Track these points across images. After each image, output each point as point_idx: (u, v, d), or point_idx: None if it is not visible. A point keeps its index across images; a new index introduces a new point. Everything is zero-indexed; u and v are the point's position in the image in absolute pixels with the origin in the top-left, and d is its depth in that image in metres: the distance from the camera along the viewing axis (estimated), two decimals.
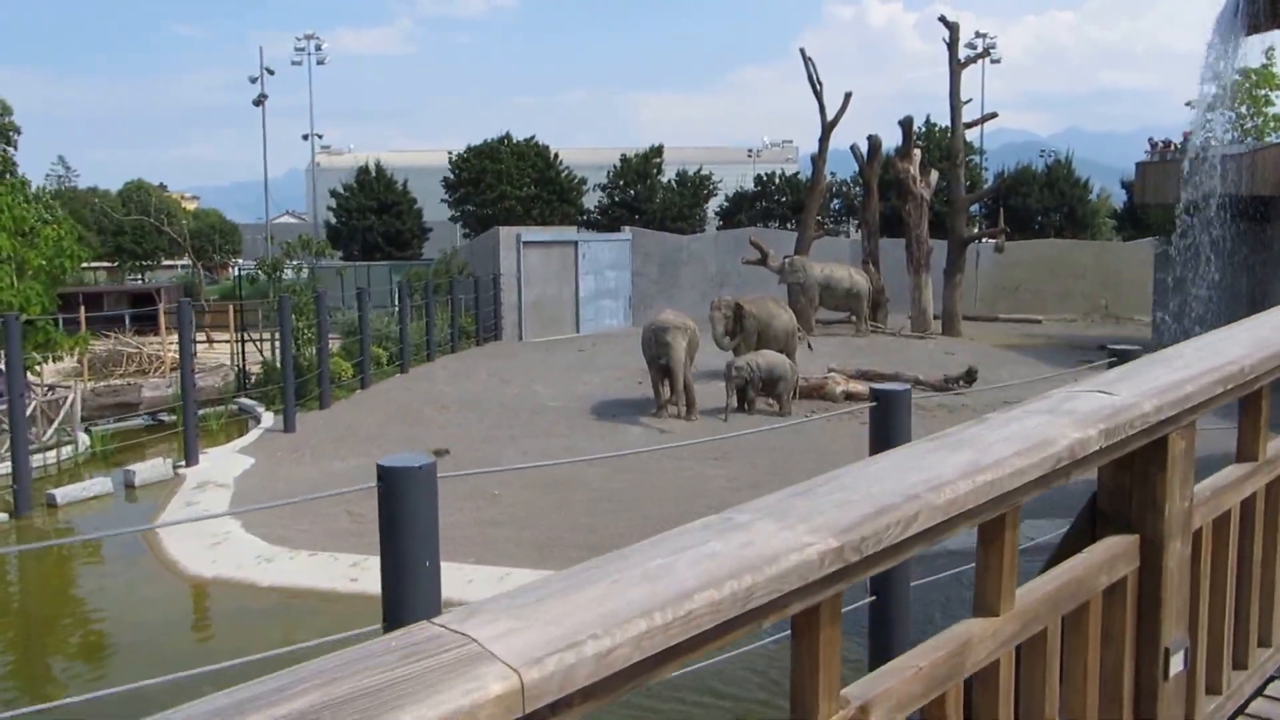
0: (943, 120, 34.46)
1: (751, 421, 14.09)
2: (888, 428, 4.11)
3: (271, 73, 35.54)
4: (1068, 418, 1.36)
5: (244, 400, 16.95)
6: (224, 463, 12.43)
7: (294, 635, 7.48)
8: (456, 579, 8.25)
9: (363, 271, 30.10)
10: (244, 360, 18.25)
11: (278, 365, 15.59)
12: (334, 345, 18.40)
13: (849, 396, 15.34)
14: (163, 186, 69.59)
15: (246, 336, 18.83)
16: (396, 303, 20.17)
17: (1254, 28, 10.43)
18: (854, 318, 24.55)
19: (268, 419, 15.09)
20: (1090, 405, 1.41)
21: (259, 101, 35.42)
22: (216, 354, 22.12)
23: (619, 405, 15.34)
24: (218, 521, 9.54)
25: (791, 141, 79.12)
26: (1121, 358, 6.18)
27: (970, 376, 16.32)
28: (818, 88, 26.40)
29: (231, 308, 20.70)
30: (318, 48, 41.39)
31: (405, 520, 2.80)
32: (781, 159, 66.45)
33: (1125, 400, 1.44)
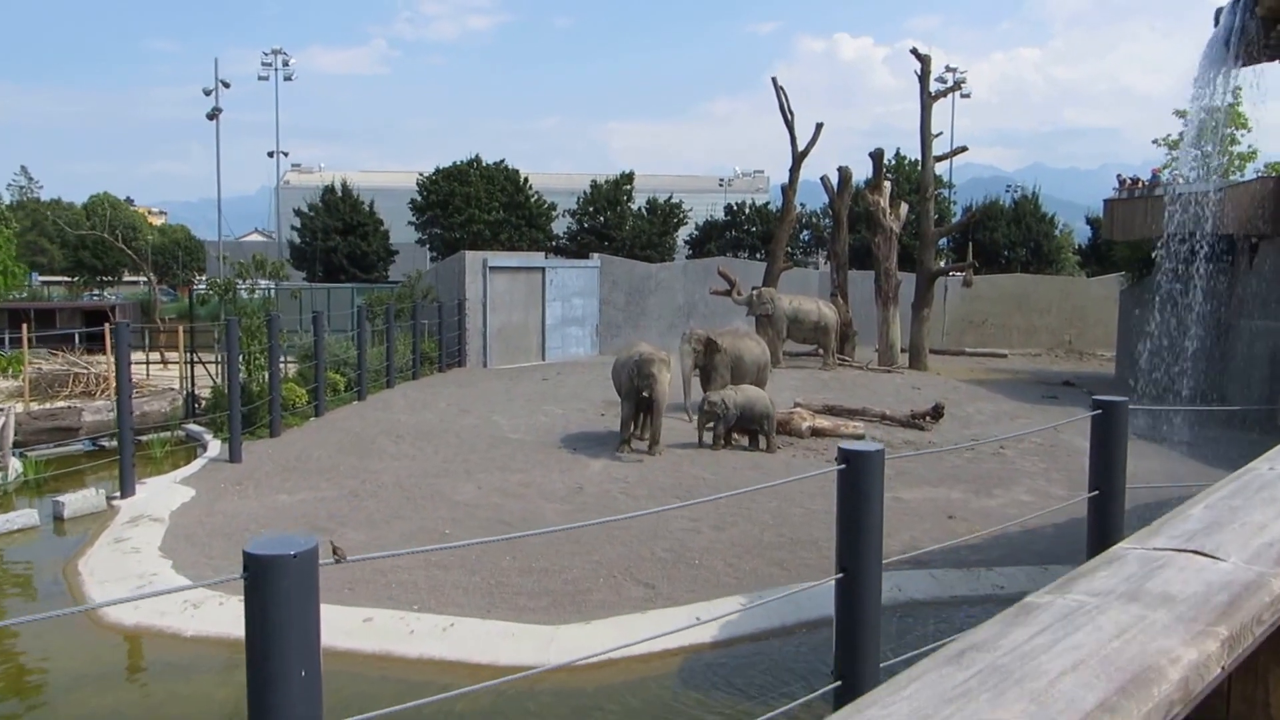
0: (912, 153, 34.61)
1: (719, 458, 13.67)
2: (857, 492, 3.70)
3: (227, 86, 34.92)
4: (1165, 612, 0.82)
5: (192, 426, 16.25)
6: (162, 494, 11.75)
7: (216, 694, 6.90)
8: (399, 629, 7.72)
9: (321, 294, 29.41)
10: (193, 384, 17.54)
11: (226, 390, 14.94)
12: (290, 370, 17.74)
13: (815, 432, 15.01)
14: (129, 201, 68.56)
15: (197, 359, 18.11)
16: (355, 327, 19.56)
17: (1248, 59, 10.22)
18: (821, 351, 24.29)
19: (214, 447, 14.42)
20: (1193, 584, 0.88)
21: (213, 115, 34.75)
22: (170, 375, 21.33)
23: (581, 439, 14.87)
24: (143, 562, 8.91)
25: (763, 171, 79.71)
26: (1106, 409, 5.78)
27: (937, 412, 16.06)
28: (789, 116, 26.28)
29: (180, 329, 19.97)
30: (285, 63, 40.76)
31: (276, 620, 2.23)
32: (752, 189, 66.74)
33: (1240, 571, 0.93)
